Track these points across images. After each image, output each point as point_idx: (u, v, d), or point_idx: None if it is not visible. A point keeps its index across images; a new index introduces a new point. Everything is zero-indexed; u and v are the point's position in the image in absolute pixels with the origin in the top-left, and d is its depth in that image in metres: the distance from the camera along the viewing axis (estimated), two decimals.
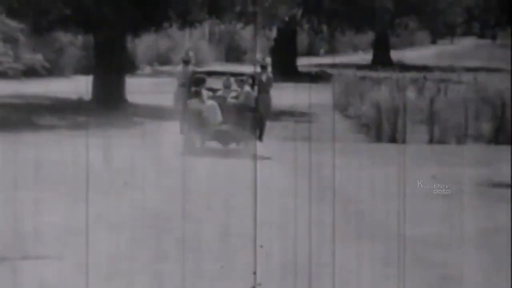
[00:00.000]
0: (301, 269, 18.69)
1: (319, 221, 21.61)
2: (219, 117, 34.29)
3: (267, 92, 36.34)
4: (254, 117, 35.20)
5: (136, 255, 19.57)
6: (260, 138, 35.17)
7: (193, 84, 35.09)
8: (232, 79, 35.80)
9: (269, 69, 39.44)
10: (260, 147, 34.63)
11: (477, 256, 18.98)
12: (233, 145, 34.59)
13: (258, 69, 37.45)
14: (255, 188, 24.16)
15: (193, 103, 34.23)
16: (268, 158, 33.15)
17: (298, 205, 23.73)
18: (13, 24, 37.44)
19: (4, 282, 17.59)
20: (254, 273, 17.63)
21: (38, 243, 20.85)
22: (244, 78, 35.48)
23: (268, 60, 42.21)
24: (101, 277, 17.88)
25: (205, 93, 34.47)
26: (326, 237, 20.39)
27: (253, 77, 35.98)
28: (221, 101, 34.32)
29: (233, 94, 35.38)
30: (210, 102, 34.25)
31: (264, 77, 36.34)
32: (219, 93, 35.08)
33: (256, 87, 35.23)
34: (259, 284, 17.14)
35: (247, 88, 34.66)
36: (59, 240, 21.07)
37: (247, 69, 41.43)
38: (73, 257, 19.61)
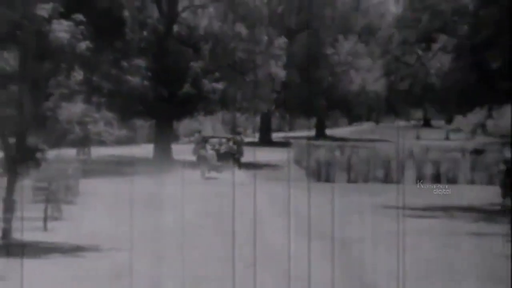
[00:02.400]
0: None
1: (282, 224, 21.65)
2: (215, 159, 38.88)
3: (240, 146, 41.62)
4: (234, 157, 40.28)
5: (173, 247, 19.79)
6: (239, 168, 39.64)
7: (202, 143, 40.09)
8: (223, 140, 41.23)
9: (242, 135, 44.45)
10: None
11: (380, 251, 18.61)
12: (225, 174, 37.37)
13: (237, 135, 43.02)
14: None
15: (202, 152, 38.87)
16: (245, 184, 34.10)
17: (270, 213, 25.04)
18: (109, 115, 38.45)
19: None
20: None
21: (125, 239, 20.46)
22: (229, 137, 41.68)
23: (241, 129, 48.00)
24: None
25: (208, 147, 39.58)
26: (286, 234, 20.03)
27: (233, 138, 41.84)
28: (216, 151, 39.42)
29: (224, 146, 40.52)
30: (210, 152, 39.05)
31: (239, 138, 41.77)
32: (216, 147, 39.99)
33: (235, 143, 40.79)
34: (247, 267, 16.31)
35: (230, 143, 40.55)
36: (139, 237, 20.71)
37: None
38: (146, 248, 19.94)
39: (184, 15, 43.15)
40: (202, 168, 38.86)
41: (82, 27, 23.33)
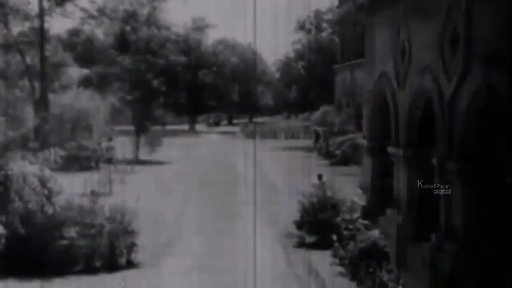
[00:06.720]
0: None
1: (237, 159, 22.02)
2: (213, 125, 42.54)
3: (219, 121, 46.75)
4: (218, 125, 46.05)
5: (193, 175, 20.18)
6: (218, 126, 43.16)
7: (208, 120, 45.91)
8: (216, 118, 45.71)
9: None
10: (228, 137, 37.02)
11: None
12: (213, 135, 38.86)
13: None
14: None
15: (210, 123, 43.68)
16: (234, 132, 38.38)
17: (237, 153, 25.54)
18: (172, 113, 34.97)
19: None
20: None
21: (179, 159, 24.46)
22: (217, 118, 48.33)
23: (220, 117, 50.80)
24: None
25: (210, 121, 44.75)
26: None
27: (218, 118, 47.95)
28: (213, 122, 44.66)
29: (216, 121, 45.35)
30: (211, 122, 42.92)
31: (219, 119, 46.33)
32: (215, 120, 46.12)
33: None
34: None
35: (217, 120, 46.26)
36: (184, 158, 24.94)
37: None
38: (186, 161, 22.75)
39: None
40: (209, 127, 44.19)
41: None
